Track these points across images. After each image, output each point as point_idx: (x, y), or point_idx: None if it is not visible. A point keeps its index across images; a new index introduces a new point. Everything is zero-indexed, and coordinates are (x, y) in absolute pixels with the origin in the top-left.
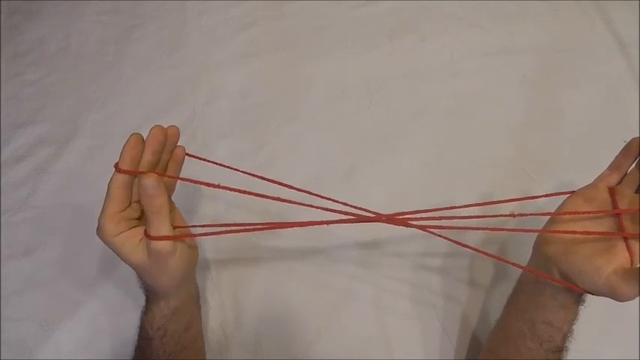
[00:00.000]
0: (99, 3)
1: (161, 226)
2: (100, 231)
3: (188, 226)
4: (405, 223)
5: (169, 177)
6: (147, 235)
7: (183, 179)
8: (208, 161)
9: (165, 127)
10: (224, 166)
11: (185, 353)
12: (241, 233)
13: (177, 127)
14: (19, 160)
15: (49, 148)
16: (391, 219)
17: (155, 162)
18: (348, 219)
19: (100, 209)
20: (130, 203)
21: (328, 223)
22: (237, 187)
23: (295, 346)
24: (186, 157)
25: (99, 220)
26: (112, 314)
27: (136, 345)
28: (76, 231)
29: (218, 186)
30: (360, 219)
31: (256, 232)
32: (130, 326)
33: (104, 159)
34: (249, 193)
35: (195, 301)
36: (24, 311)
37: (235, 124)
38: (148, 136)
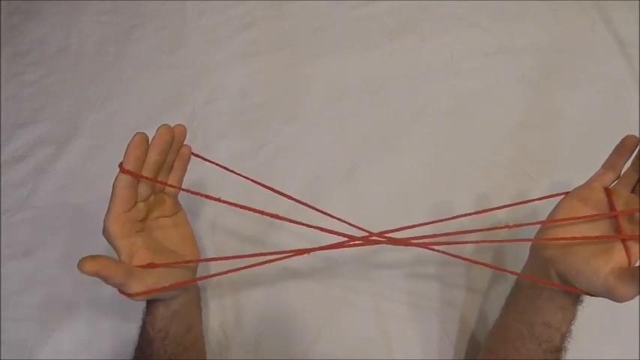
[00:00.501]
0: (99, 3)
1: (128, 289)
2: (105, 232)
3: (163, 264)
4: (407, 242)
5: (172, 186)
6: (120, 291)
7: (185, 190)
8: (213, 162)
9: (172, 125)
10: (227, 169)
11: (186, 354)
12: (242, 239)
13: (184, 126)
14: (19, 160)
15: (49, 148)
16: (392, 240)
17: (161, 162)
18: (346, 242)
19: (101, 209)
20: (136, 203)
21: (326, 248)
22: (239, 188)
23: (295, 346)
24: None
25: (104, 221)
26: (112, 314)
27: (137, 346)
28: (76, 231)
29: (219, 199)
30: (360, 242)
31: (255, 237)
32: (130, 326)
33: (104, 159)
34: (247, 208)
35: (196, 302)
36: (24, 311)
37: (235, 124)
38: (154, 135)
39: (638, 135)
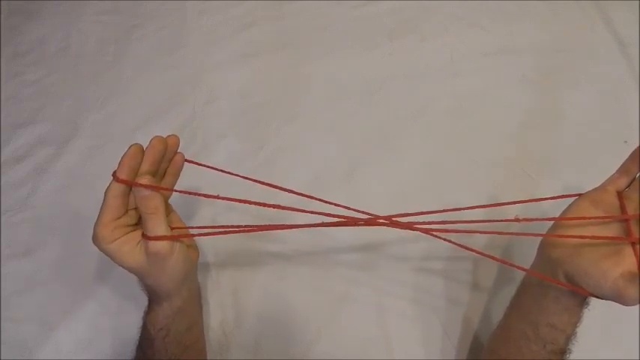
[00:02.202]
0: (99, 3)
1: (157, 226)
2: (95, 239)
3: (185, 227)
4: (409, 227)
5: (166, 189)
6: (144, 236)
7: (183, 192)
8: (207, 166)
9: (165, 135)
10: (223, 171)
11: (187, 354)
12: (241, 236)
13: (177, 137)
14: (19, 160)
15: (49, 148)
16: (395, 222)
17: (153, 172)
18: (350, 221)
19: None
20: (127, 211)
21: (329, 225)
22: (236, 189)
23: (295, 346)
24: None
25: (94, 228)
26: (112, 314)
27: (137, 345)
28: (76, 231)
29: (217, 197)
30: (364, 222)
31: (255, 234)
32: (131, 326)
33: (104, 159)
34: (248, 202)
35: (197, 300)
36: (24, 311)
37: (235, 124)
38: (147, 146)
39: (637, 134)
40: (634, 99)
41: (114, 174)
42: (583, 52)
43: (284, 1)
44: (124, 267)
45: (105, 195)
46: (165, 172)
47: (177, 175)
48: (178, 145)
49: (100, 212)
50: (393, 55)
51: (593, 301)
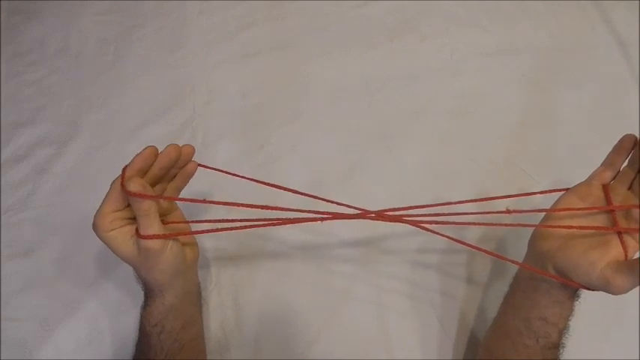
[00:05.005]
0: (99, 3)
1: (149, 226)
2: (94, 226)
3: (182, 222)
4: (398, 219)
5: (155, 197)
6: (136, 232)
7: (168, 198)
8: (216, 170)
9: (181, 144)
10: (230, 173)
11: (184, 352)
12: (241, 236)
13: (192, 147)
14: (19, 160)
15: (49, 148)
16: (383, 215)
17: (161, 176)
18: (341, 215)
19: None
20: (128, 205)
21: (322, 219)
22: (241, 189)
23: (295, 346)
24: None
25: (94, 216)
26: (112, 314)
27: (136, 341)
28: (76, 231)
29: (204, 201)
30: (352, 215)
31: (256, 234)
32: (130, 326)
33: (104, 159)
34: (235, 204)
35: (194, 299)
36: (24, 311)
37: (235, 124)
38: (162, 152)
39: (637, 134)
40: (634, 99)
41: (124, 169)
42: (583, 52)
43: (284, 1)
44: (117, 255)
45: (110, 186)
46: (174, 175)
47: (185, 182)
48: (193, 155)
49: (102, 201)
50: (393, 55)
51: (594, 301)
